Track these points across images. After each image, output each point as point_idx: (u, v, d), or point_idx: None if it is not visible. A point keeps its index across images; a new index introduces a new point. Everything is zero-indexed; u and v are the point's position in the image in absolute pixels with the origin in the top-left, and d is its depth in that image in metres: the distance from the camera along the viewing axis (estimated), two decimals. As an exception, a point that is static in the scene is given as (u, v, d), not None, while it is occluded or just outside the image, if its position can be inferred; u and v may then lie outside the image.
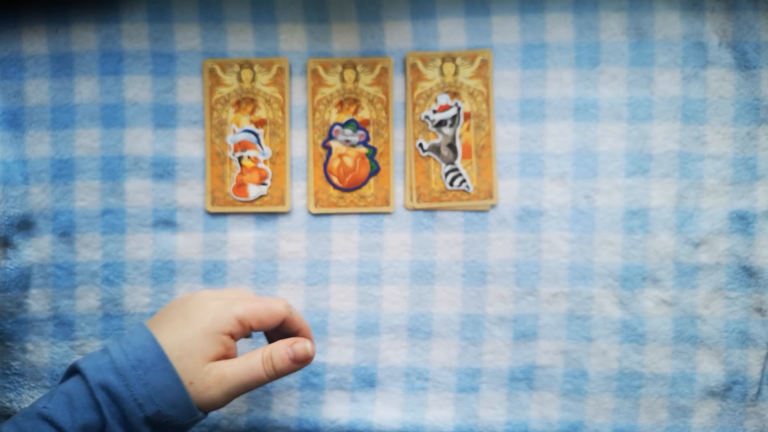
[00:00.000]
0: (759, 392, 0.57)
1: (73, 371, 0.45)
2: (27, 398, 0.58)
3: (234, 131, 0.57)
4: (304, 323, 0.50)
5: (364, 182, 0.58)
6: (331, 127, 0.58)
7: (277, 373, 0.46)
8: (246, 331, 0.47)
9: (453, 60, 0.57)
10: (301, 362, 0.47)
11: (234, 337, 0.46)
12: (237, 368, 0.45)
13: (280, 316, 0.48)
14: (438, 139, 0.57)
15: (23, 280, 0.57)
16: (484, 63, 0.57)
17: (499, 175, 0.57)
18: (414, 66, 0.57)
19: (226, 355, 0.46)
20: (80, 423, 0.42)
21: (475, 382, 0.58)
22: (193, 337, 0.45)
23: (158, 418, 0.43)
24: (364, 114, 0.57)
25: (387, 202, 0.58)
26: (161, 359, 0.44)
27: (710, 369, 0.57)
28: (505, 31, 0.56)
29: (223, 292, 0.49)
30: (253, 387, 0.46)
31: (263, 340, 0.55)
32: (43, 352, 0.58)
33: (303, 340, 0.48)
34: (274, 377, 0.46)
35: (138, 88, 0.57)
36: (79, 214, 0.58)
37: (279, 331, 0.50)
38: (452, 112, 0.57)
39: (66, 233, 0.58)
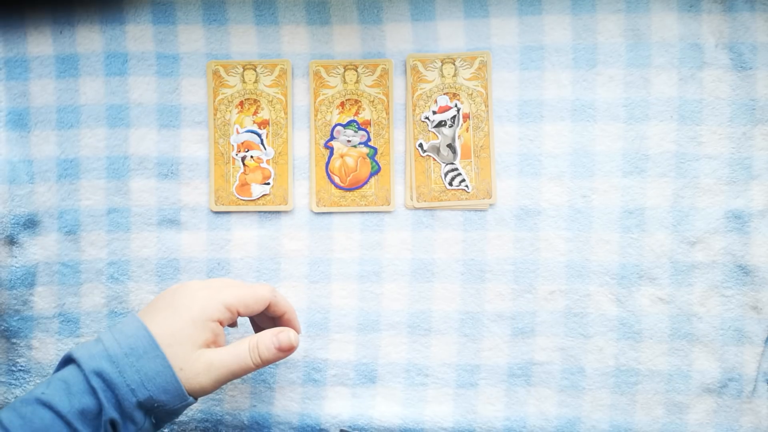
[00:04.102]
0: (755, 389, 0.57)
1: (68, 360, 0.45)
2: (33, 394, 0.59)
3: (237, 132, 0.58)
4: (289, 307, 0.52)
5: (365, 182, 0.58)
6: (333, 128, 0.58)
7: (263, 362, 0.48)
8: (234, 317, 0.48)
9: (452, 62, 0.57)
10: (285, 351, 0.49)
11: (222, 323, 0.48)
12: (225, 357, 0.47)
13: (265, 301, 0.49)
14: (438, 140, 0.58)
15: (29, 278, 0.57)
16: (483, 65, 0.57)
17: (498, 175, 0.58)
18: (414, 68, 0.57)
19: (215, 341, 0.47)
20: (78, 407, 0.42)
21: (474, 378, 0.58)
22: (182, 326, 0.46)
23: (150, 403, 0.44)
24: (365, 115, 0.58)
25: (387, 202, 0.58)
26: (152, 347, 0.45)
27: (706, 366, 0.57)
28: (504, 33, 0.57)
29: (211, 281, 0.50)
30: (241, 374, 0.47)
31: (250, 331, 0.56)
32: (49, 349, 0.58)
33: (287, 330, 0.50)
34: (261, 365, 0.48)
35: (143, 89, 0.58)
36: (84, 213, 0.58)
37: (265, 315, 0.51)
38: (452, 113, 0.58)
39: (71, 231, 0.58)
